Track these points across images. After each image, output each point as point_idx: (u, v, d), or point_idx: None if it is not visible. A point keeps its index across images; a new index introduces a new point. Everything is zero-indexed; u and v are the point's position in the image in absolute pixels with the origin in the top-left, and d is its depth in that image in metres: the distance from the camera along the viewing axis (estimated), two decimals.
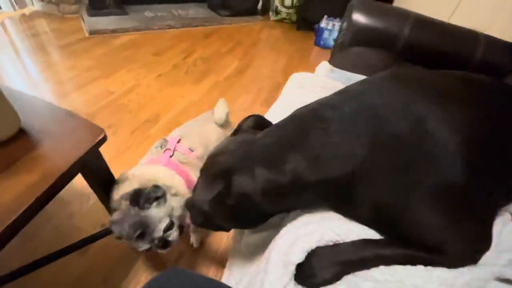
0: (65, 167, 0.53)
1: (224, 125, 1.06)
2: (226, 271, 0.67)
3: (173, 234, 0.70)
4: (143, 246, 0.68)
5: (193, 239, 1.02)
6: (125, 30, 2.49)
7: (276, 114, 0.84)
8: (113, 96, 1.72)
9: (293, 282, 0.46)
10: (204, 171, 0.53)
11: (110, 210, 0.86)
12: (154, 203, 0.68)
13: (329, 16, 2.69)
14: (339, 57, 1.17)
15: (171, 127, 0.91)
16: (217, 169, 0.50)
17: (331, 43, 2.55)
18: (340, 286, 0.45)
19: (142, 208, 0.67)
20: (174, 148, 0.85)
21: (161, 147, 0.88)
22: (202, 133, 0.98)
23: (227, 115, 1.06)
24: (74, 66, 1.95)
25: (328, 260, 0.46)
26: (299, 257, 0.46)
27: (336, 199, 0.51)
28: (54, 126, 0.64)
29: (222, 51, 2.40)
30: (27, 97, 0.70)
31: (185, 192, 0.77)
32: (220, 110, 1.04)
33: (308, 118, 0.50)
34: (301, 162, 0.46)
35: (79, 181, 1.22)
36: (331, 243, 0.49)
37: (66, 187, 1.18)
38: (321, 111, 0.50)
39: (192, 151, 0.88)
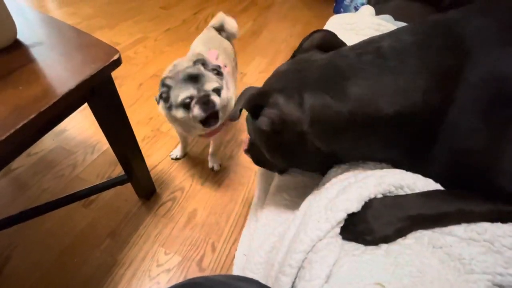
0: (72, 84, 0.43)
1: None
2: (251, 216, 0.59)
3: (216, 98, 0.72)
4: (187, 92, 0.70)
5: (211, 162, 1.02)
6: None
7: None
8: (119, 47, 1.56)
9: (335, 231, 0.37)
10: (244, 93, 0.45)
11: (118, 158, 0.77)
12: (214, 75, 0.74)
13: None
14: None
15: None
16: (257, 90, 0.42)
17: (352, 11, 2.36)
18: (407, 240, 0.37)
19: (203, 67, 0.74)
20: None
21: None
22: (225, 49, 0.95)
23: None
24: (74, 13, 1.78)
25: (391, 215, 0.37)
26: (354, 205, 0.37)
27: (407, 145, 0.41)
28: (60, 41, 0.53)
29: (236, 10, 2.22)
30: (30, 10, 0.58)
31: None
32: (231, 22, 1.01)
33: (384, 46, 0.40)
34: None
35: (83, 131, 1.16)
36: (393, 189, 0.40)
37: (70, 136, 1.13)
38: (395, 38, 0.40)
39: (225, 66, 0.87)
